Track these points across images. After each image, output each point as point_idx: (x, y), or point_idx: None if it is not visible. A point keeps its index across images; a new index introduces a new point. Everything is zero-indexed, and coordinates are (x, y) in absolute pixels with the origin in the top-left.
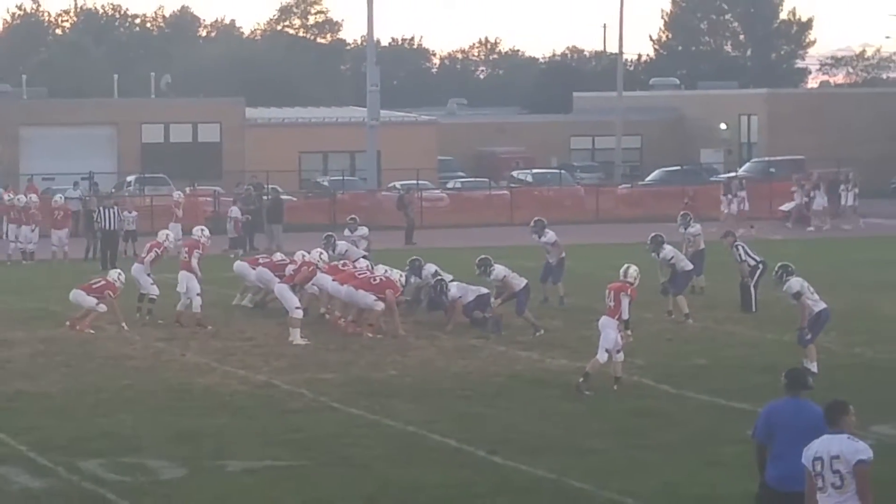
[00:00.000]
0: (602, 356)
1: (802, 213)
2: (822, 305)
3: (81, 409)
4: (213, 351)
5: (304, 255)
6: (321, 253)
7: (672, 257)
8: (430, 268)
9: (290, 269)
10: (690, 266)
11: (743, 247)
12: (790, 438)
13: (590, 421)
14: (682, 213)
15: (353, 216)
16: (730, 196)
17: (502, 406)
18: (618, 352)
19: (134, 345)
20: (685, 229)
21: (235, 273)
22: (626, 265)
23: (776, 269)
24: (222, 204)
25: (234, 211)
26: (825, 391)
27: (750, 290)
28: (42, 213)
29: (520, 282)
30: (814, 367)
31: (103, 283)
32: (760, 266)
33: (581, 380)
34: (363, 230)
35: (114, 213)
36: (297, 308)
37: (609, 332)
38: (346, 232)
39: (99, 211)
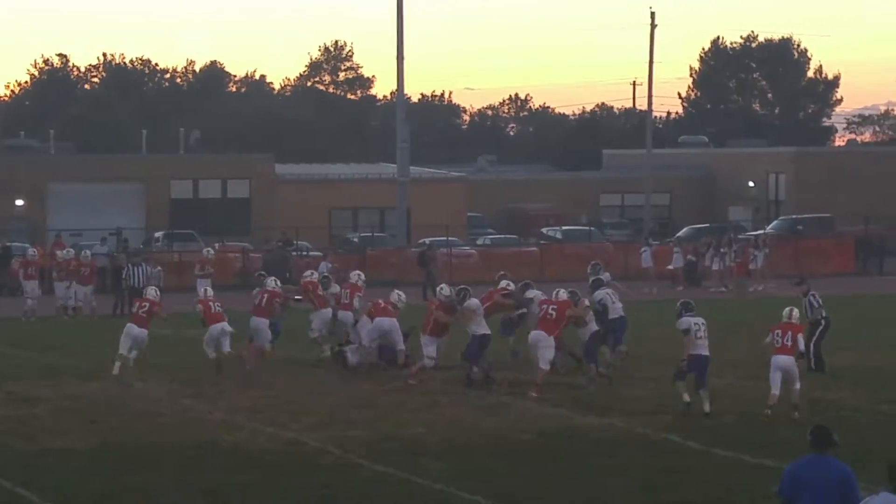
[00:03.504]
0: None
1: (692, 274)
2: (703, 351)
3: (108, 465)
4: (241, 408)
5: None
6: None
7: (601, 299)
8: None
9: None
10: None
11: (816, 298)
12: (815, 496)
13: (617, 478)
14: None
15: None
16: (755, 252)
17: (531, 463)
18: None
19: (161, 401)
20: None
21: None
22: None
23: (678, 303)
24: (251, 260)
25: (324, 266)
26: (852, 449)
27: (809, 348)
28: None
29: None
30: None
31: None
32: (823, 322)
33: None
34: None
35: (142, 270)
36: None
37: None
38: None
39: (128, 268)
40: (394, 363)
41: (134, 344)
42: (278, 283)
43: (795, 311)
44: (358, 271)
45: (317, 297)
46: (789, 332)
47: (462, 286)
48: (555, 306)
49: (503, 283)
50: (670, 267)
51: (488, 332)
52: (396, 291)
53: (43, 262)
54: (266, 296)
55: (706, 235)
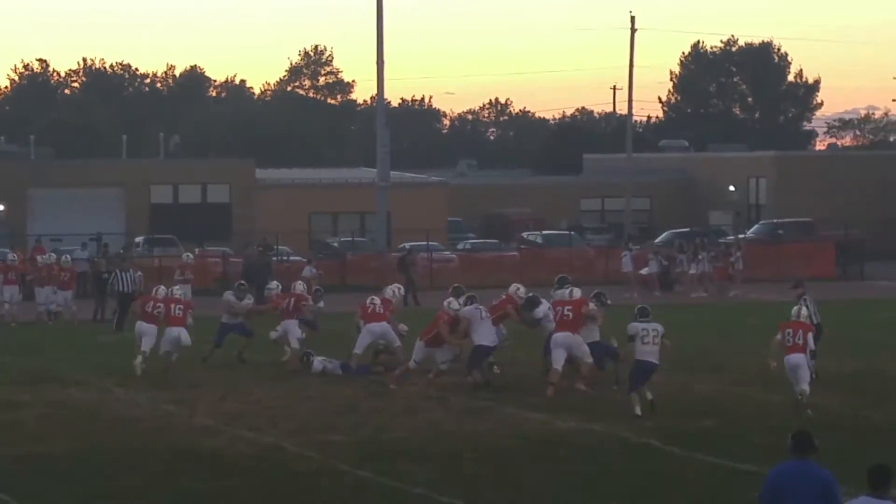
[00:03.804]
0: None
1: (666, 279)
2: (650, 358)
3: (88, 471)
4: (221, 413)
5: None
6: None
7: (542, 317)
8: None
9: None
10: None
11: (808, 303)
12: (797, 501)
13: (598, 483)
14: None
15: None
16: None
17: (511, 468)
18: None
19: (141, 407)
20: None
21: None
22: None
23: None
24: (231, 265)
25: (308, 271)
26: (833, 454)
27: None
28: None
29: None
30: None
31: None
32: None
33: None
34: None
35: (129, 276)
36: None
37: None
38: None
39: (117, 274)
40: (392, 368)
41: (174, 346)
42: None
43: (804, 310)
44: (397, 285)
45: (284, 310)
46: (800, 331)
47: (470, 294)
48: (570, 307)
49: (513, 290)
50: (643, 272)
51: (487, 342)
52: (392, 286)
53: (24, 267)
54: (293, 299)
55: (677, 240)
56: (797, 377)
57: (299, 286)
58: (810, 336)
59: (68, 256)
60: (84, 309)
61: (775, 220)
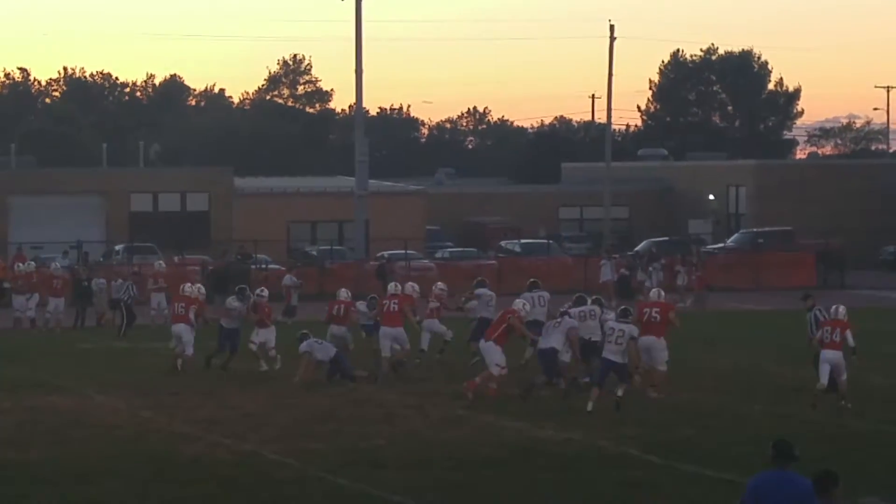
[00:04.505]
0: None
1: (625, 288)
2: (613, 357)
3: (68, 478)
4: (200, 420)
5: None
6: (524, 304)
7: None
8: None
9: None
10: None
11: (823, 312)
12: None
13: (576, 491)
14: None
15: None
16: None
17: (489, 476)
18: None
19: (120, 413)
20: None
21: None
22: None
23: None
24: (209, 273)
25: (288, 279)
26: (813, 463)
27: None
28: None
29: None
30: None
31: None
32: None
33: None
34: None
35: (129, 286)
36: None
37: None
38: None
39: (119, 283)
40: (402, 366)
41: (178, 342)
42: (349, 293)
43: (842, 308)
44: (413, 283)
45: (266, 315)
46: (837, 329)
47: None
48: (657, 308)
49: (518, 305)
50: (601, 280)
51: (552, 345)
52: (411, 283)
53: (3, 274)
54: (342, 307)
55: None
56: (836, 371)
57: (343, 293)
58: (849, 333)
59: (57, 264)
60: (64, 317)
61: (755, 229)
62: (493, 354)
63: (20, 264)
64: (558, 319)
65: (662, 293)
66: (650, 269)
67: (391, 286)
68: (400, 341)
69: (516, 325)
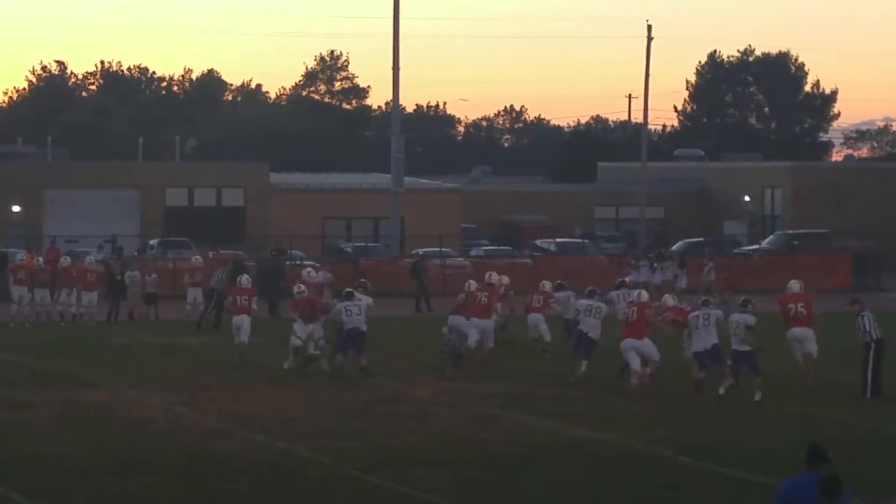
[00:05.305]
0: None
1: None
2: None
3: (99, 472)
4: (233, 416)
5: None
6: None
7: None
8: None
9: None
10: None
11: (869, 318)
12: None
13: (608, 492)
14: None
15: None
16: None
17: (521, 476)
18: None
19: (154, 408)
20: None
21: None
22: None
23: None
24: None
25: (322, 276)
26: (847, 466)
27: (865, 373)
28: (69, 275)
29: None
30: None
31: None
32: (873, 345)
33: None
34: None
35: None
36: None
37: None
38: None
39: (216, 276)
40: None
41: (238, 333)
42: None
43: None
44: (492, 272)
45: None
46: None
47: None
48: (802, 303)
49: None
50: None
51: (707, 346)
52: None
53: (33, 267)
54: (542, 298)
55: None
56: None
57: (546, 285)
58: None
59: (92, 258)
60: (97, 311)
61: (790, 231)
62: (648, 348)
63: (39, 259)
64: (706, 316)
65: (645, 294)
66: (656, 266)
67: (487, 276)
68: (486, 335)
69: (665, 318)
